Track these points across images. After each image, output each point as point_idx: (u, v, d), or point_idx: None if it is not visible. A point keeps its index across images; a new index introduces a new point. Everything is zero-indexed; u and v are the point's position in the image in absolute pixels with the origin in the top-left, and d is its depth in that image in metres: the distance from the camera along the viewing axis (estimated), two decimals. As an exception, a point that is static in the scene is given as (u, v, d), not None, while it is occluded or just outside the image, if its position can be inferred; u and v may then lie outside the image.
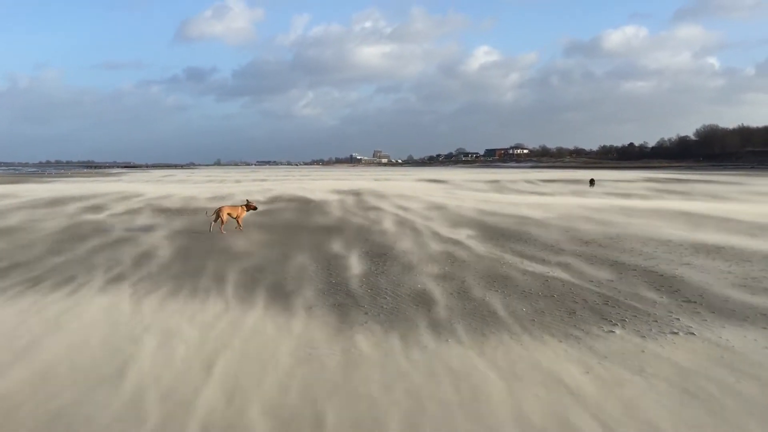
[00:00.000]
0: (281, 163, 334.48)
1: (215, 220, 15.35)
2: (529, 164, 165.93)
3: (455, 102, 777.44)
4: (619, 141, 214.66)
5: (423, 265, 10.28)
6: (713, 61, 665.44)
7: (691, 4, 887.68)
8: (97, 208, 22.23)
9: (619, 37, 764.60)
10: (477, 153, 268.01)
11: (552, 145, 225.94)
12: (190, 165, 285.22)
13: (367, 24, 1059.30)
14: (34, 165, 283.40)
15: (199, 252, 11.99)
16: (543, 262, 10.48)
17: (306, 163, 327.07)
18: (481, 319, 7.04)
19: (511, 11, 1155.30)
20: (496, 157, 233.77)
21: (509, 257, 10.97)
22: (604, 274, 9.42)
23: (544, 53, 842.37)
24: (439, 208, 21.76)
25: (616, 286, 8.61)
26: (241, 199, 22.37)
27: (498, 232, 14.53)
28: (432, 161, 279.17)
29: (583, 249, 11.77)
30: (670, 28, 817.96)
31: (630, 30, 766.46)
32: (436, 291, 8.42)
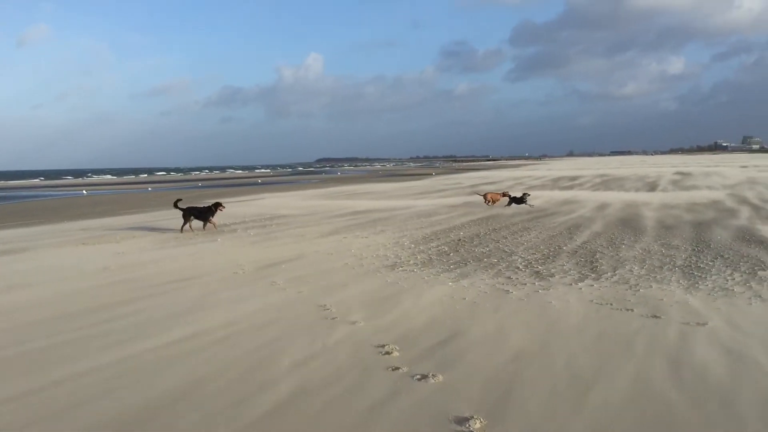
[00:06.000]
0: (636, 153, 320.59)
1: None
2: None
3: None
4: None
5: None
6: None
7: None
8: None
9: None
10: None
11: None
12: (543, 157, 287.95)
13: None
14: (407, 159, 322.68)
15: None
16: None
17: (663, 152, 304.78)
18: None
19: None
20: None
21: None
22: None
23: None
24: None
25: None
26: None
27: None
28: None
29: None
30: None
31: None
32: None
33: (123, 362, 6.10)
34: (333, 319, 7.55)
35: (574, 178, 44.53)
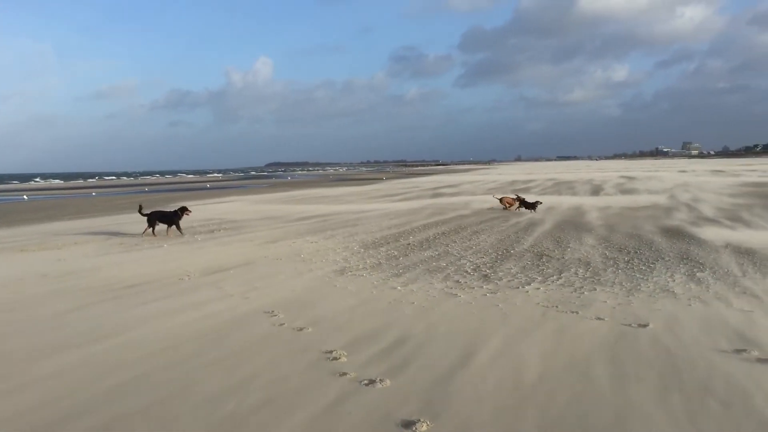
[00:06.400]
0: (581, 158, 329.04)
1: None
2: None
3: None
4: None
5: None
6: None
7: None
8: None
9: None
10: None
11: None
12: (492, 162, 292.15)
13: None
14: (358, 163, 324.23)
15: None
16: None
17: (607, 158, 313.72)
18: None
19: None
20: None
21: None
22: None
23: None
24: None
25: None
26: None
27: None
28: (748, 152, 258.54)
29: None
30: None
31: None
32: None
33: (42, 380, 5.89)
34: (280, 325, 7.46)
35: (526, 182, 45.30)
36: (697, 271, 9.98)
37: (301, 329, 7.25)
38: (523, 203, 20.91)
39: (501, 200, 21.82)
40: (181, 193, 47.23)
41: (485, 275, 10.17)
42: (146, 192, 51.66)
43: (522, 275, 10.10)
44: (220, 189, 53.94)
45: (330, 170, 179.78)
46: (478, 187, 39.44)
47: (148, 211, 16.79)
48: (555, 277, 9.91)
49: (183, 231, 16.51)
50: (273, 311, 8.10)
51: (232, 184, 69.90)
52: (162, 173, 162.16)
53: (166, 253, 13.51)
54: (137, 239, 15.91)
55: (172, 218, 16.54)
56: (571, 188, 36.34)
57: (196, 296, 9.15)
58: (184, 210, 16.71)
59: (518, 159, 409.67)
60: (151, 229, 16.44)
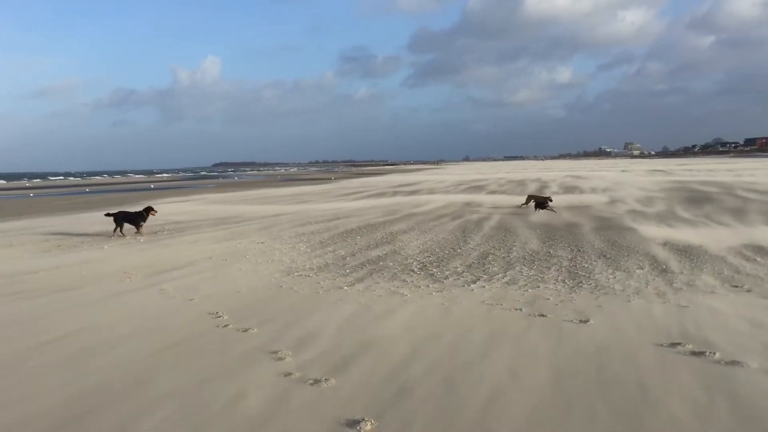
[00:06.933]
0: (528, 158, 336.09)
1: None
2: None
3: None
4: None
5: None
6: None
7: None
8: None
9: None
10: (736, 143, 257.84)
11: None
12: (441, 161, 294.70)
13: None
14: (307, 163, 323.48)
15: None
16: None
17: (553, 158, 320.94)
18: None
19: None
20: (756, 147, 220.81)
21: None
22: None
23: None
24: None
25: None
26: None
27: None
28: (687, 152, 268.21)
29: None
30: None
31: None
32: None
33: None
34: (225, 326, 7.35)
35: (479, 181, 45.78)
36: (637, 268, 10.25)
37: (246, 330, 7.16)
38: (536, 201, 20.19)
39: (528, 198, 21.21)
40: (123, 194, 46.00)
41: (432, 274, 10.24)
42: (87, 193, 50.17)
43: (468, 274, 10.20)
44: (164, 189, 52.80)
45: (279, 170, 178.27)
46: (427, 187, 39.71)
47: (114, 211, 16.60)
48: (500, 275, 10.04)
49: (141, 232, 16.34)
50: (217, 312, 7.97)
51: (177, 184, 68.54)
52: (110, 173, 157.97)
53: (107, 254, 13.15)
54: (76, 241, 15.45)
55: (135, 218, 16.38)
56: (523, 186, 36.94)
57: (136, 299, 8.93)
58: (149, 210, 16.60)
59: (466, 159, 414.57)
60: (119, 228, 16.20)
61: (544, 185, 37.69)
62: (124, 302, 8.71)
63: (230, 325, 7.37)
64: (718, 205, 20.86)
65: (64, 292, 9.46)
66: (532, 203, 20.64)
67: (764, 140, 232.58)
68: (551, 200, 20.09)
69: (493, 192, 33.10)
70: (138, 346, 6.63)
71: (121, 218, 16.29)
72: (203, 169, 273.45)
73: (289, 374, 5.65)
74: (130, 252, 13.47)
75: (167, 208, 26.53)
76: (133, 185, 68.60)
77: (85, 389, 5.39)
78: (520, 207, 21.47)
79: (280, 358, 6.11)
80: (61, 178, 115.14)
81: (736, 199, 23.21)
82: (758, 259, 10.78)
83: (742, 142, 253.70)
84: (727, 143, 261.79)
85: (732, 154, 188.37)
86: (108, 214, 16.46)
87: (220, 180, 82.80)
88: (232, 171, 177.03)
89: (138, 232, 16.28)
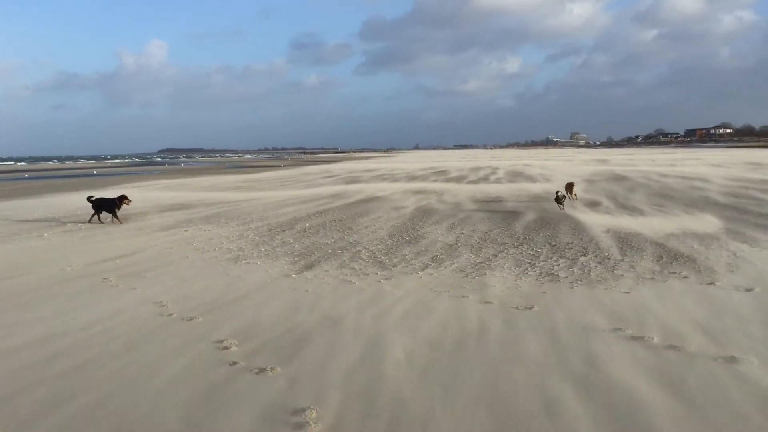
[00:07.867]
0: (477, 146, 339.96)
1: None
2: (726, 144, 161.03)
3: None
4: None
5: None
6: None
7: None
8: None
9: None
10: (677, 133, 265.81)
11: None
12: (390, 150, 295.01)
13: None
14: (257, 150, 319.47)
15: None
16: None
17: (501, 146, 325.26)
18: None
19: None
20: (696, 138, 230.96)
21: None
22: None
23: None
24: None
25: None
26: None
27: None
28: (630, 142, 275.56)
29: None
30: None
31: None
32: None
33: None
34: (170, 315, 7.23)
35: (425, 169, 45.99)
36: (581, 256, 10.50)
37: (191, 319, 7.05)
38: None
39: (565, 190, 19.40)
40: (63, 180, 44.57)
41: (381, 262, 10.27)
42: (25, 179, 48.41)
43: (416, 261, 10.27)
44: (107, 176, 51.36)
45: (228, 156, 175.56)
46: (376, 175, 39.73)
47: (94, 198, 16.26)
48: (448, 262, 10.14)
49: (119, 220, 15.98)
50: (162, 301, 7.82)
51: (121, 171, 66.76)
52: (60, 159, 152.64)
53: (46, 243, 12.73)
54: (14, 228, 14.91)
55: (110, 206, 16.02)
56: (472, 175, 37.30)
57: (76, 288, 8.68)
58: (123, 199, 16.14)
59: (416, 147, 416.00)
60: (97, 216, 15.96)
61: (487, 176, 38.14)
62: (62, 292, 8.45)
63: (174, 314, 7.24)
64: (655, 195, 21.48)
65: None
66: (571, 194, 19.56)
67: (703, 131, 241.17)
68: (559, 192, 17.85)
69: (443, 181, 33.30)
70: (78, 338, 6.45)
71: (97, 205, 16.00)
72: (149, 155, 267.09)
73: (234, 363, 5.60)
74: (72, 240, 13.07)
75: (112, 195, 25.82)
76: (76, 171, 66.56)
77: (12, 377, 5.23)
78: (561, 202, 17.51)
79: (226, 347, 6.04)
80: (12, 163, 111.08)
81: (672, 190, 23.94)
82: (694, 245, 11.17)
83: (682, 133, 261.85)
84: (668, 134, 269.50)
85: (673, 145, 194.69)
86: (90, 202, 16.16)
87: (166, 166, 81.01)
88: (178, 157, 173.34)
89: (116, 218, 15.95)
